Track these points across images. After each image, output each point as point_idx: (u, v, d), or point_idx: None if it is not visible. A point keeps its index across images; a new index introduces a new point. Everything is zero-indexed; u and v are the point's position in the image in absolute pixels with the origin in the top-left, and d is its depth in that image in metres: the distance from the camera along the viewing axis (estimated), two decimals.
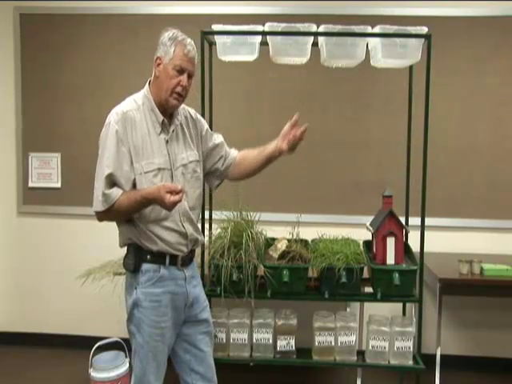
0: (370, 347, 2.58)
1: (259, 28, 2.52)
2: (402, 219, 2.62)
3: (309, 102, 3.40)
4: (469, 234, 3.37)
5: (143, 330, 1.94)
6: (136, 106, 1.95)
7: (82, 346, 3.34)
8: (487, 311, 3.40)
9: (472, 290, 2.91)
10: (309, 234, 2.75)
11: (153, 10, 3.43)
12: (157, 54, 1.94)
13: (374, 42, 2.54)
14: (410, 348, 2.55)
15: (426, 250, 2.56)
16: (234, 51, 2.57)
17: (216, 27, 2.54)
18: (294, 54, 2.55)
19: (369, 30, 2.48)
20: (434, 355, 2.89)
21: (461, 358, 3.42)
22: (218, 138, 2.20)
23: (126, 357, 2.82)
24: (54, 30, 3.51)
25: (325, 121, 3.40)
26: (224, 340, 2.61)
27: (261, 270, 2.47)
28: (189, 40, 1.94)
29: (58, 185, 3.59)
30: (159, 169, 1.92)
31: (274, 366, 2.97)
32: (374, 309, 2.87)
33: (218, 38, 2.57)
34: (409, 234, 2.68)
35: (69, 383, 3.17)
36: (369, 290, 2.63)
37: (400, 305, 2.88)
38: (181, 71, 1.91)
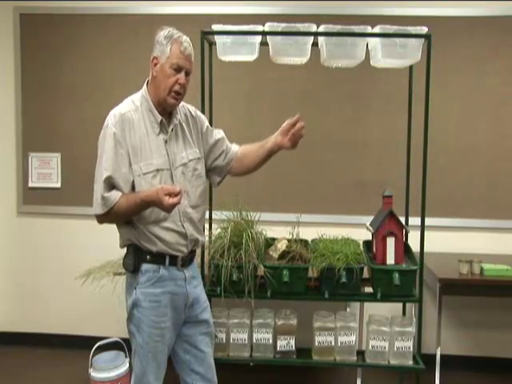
0: (370, 347, 2.58)
1: (259, 28, 2.52)
2: (402, 219, 2.63)
3: (309, 102, 3.40)
4: (469, 234, 3.37)
5: (143, 330, 1.94)
6: (134, 106, 1.94)
7: (81, 345, 3.33)
8: (487, 311, 3.40)
9: (472, 289, 2.91)
10: (309, 233, 2.75)
11: (153, 10, 3.42)
12: (153, 53, 1.93)
13: (373, 41, 2.54)
14: (409, 348, 2.55)
15: (426, 250, 2.56)
16: (233, 51, 2.57)
17: (216, 27, 2.54)
18: (294, 53, 2.55)
19: (369, 29, 2.48)
20: (434, 355, 2.89)
21: (461, 358, 3.41)
22: (218, 134, 2.19)
23: (125, 357, 2.82)
24: (54, 30, 3.51)
25: (325, 121, 3.40)
26: (224, 340, 2.61)
27: (261, 270, 2.48)
28: (184, 37, 1.93)
29: (58, 185, 3.59)
30: (158, 170, 1.92)
31: (274, 366, 2.97)
32: (373, 309, 2.87)
33: (217, 38, 2.57)
34: (409, 234, 2.68)
35: (69, 383, 3.17)
36: (369, 290, 2.63)
37: (400, 305, 2.88)
38: (178, 69, 1.91)
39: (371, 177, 3.37)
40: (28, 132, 3.59)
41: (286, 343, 2.59)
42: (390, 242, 2.52)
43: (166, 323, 1.96)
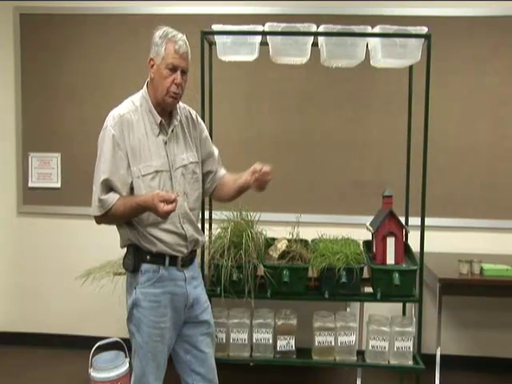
0: (370, 347, 2.58)
1: (259, 28, 2.52)
2: (402, 219, 2.63)
3: (309, 102, 3.40)
4: (469, 234, 3.37)
5: (142, 330, 1.94)
6: (134, 107, 1.94)
7: (81, 346, 3.33)
8: (487, 311, 3.40)
9: (472, 290, 2.91)
10: (309, 233, 2.75)
11: (153, 10, 3.42)
12: (150, 55, 1.92)
13: (373, 42, 2.54)
14: (409, 348, 2.55)
15: (425, 250, 2.57)
16: (233, 51, 2.57)
17: (216, 27, 2.54)
18: (294, 53, 2.55)
19: (369, 29, 2.48)
20: (434, 355, 2.89)
21: (461, 358, 3.41)
22: (214, 150, 2.19)
23: (125, 357, 2.82)
24: (54, 30, 3.51)
25: (325, 121, 3.40)
26: (224, 340, 2.61)
27: (261, 270, 2.48)
28: (179, 35, 1.91)
29: (58, 185, 3.59)
30: (157, 171, 1.92)
31: (274, 366, 2.97)
32: (373, 309, 2.87)
33: (218, 38, 2.57)
34: (409, 234, 2.68)
35: (69, 383, 3.17)
36: (369, 290, 2.63)
37: (400, 305, 2.88)
38: (173, 69, 1.89)
39: (371, 177, 3.37)
40: (28, 132, 3.59)
41: (286, 343, 2.59)
42: (390, 242, 2.52)
43: (166, 323, 1.96)
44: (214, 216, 2.66)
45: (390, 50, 2.49)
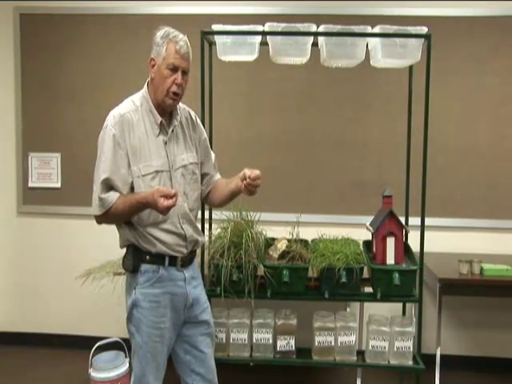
0: (370, 347, 2.58)
1: (259, 28, 2.52)
2: (402, 219, 2.63)
3: (309, 102, 3.40)
4: (469, 234, 3.37)
5: (142, 330, 1.93)
6: (134, 107, 1.94)
7: (81, 346, 3.34)
8: (487, 311, 3.40)
9: (472, 290, 2.91)
10: (309, 234, 2.75)
11: (153, 10, 3.42)
12: (151, 55, 1.93)
13: (373, 42, 2.54)
14: (409, 348, 2.55)
15: (425, 250, 2.56)
16: (233, 51, 2.57)
17: (216, 27, 2.54)
18: (293, 53, 2.55)
19: (369, 29, 2.48)
20: (434, 355, 2.89)
21: (461, 358, 3.41)
22: (212, 154, 2.19)
23: (125, 357, 2.82)
24: (54, 30, 3.51)
25: (325, 121, 3.40)
26: (224, 340, 2.61)
27: (261, 270, 2.48)
28: (181, 36, 1.92)
29: (58, 185, 3.59)
30: (157, 171, 1.92)
31: (274, 366, 2.97)
32: (373, 309, 2.87)
33: (217, 38, 2.56)
34: (409, 234, 2.68)
35: (69, 383, 3.17)
36: (369, 290, 2.63)
37: (400, 305, 2.88)
38: (174, 69, 1.89)
39: (371, 177, 3.37)
40: (28, 132, 3.59)
41: (286, 343, 2.59)
42: (390, 242, 2.52)
43: (166, 323, 1.96)
44: (214, 216, 2.66)
45: (389, 50, 2.49)
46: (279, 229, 2.68)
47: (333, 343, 2.59)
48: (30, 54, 3.54)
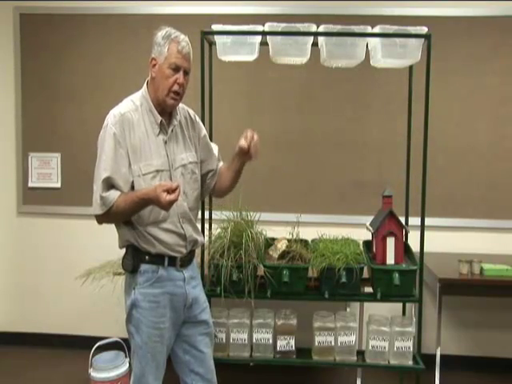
0: (370, 347, 2.58)
1: (259, 28, 2.52)
2: (402, 219, 2.62)
3: (309, 102, 3.40)
4: (469, 234, 3.37)
5: (142, 330, 1.93)
6: (134, 106, 1.94)
7: (81, 346, 3.34)
8: (487, 311, 3.40)
9: (472, 290, 2.91)
10: (309, 233, 2.75)
11: (153, 10, 3.42)
12: (152, 54, 1.93)
13: (373, 42, 2.54)
14: (409, 348, 2.55)
15: (425, 250, 2.56)
16: (233, 51, 2.57)
17: (216, 27, 2.54)
18: (293, 53, 2.55)
19: (369, 29, 2.48)
20: (434, 355, 2.89)
21: (461, 358, 3.41)
22: (214, 148, 2.19)
23: (125, 357, 2.82)
24: (54, 30, 3.51)
25: (325, 121, 3.40)
26: (224, 340, 2.61)
27: (261, 270, 2.47)
28: (182, 36, 1.92)
29: (58, 185, 3.59)
30: (157, 170, 1.92)
31: (274, 366, 2.97)
32: (373, 309, 2.87)
33: (217, 38, 2.56)
34: (409, 234, 2.68)
35: (69, 383, 3.17)
36: (369, 290, 2.63)
37: (400, 305, 2.88)
38: (176, 69, 1.90)
39: (371, 177, 3.37)
40: (28, 132, 3.59)
41: (286, 343, 2.59)
42: (390, 242, 2.52)
43: (165, 323, 1.96)
44: (214, 216, 2.66)
45: (390, 50, 2.49)
46: (279, 229, 2.68)
47: (333, 343, 2.59)
48: (29, 53, 3.54)
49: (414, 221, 2.62)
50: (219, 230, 2.58)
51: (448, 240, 3.36)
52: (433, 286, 2.99)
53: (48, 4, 3.51)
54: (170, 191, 1.76)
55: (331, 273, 2.47)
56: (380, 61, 2.55)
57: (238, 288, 2.47)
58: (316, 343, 2.59)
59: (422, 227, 2.54)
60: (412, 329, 2.56)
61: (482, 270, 2.85)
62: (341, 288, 2.48)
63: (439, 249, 3.27)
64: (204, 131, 2.16)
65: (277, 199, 3.42)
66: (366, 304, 2.98)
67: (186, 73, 1.93)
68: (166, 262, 1.95)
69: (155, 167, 1.92)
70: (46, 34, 3.52)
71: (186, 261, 2.02)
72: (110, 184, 1.86)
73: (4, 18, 3.54)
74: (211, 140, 2.29)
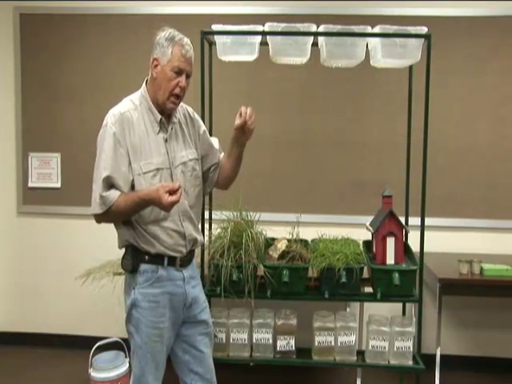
0: (370, 347, 2.58)
1: (259, 28, 2.52)
2: (402, 219, 2.62)
3: (309, 102, 3.40)
4: (469, 234, 3.37)
5: (141, 330, 1.93)
6: (133, 106, 1.94)
7: (81, 346, 3.34)
8: (487, 311, 3.40)
9: (472, 289, 2.91)
10: (309, 234, 2.75)
11: (153, 10, 3.42)
12: (153, 54, 1.93)
13: (373, 42, 2.54)
14: (409, 348, 2.55)
15: (425, 250, 2.56)
16: (233, 51, 2.57)
17: (216, 27, 2.54)
18: (293, 53, 2.55)
19: (369, 29, 2.48)
20: (434, 355, 2.89)
21: (461, 358, 3.41)
22: (215, 143, 2.20)
23: (125, 357, 2.82)
24: (54, 30, 3.51)
25: (325, 121, 3.40)
26: (224, 340, 2.61)
27: (261, 270, 2.47)
28: (186, 39, 1.93)
29: (58, 185, 3.59)
30: (158, 169, 1.92)
31: (274, 366, 2.97)
32: (373, 309, 2.87)
33: (217, 38, 2.56)
34: (409, 234, 2.68)
35: (69, 383, 3.17)
36: (369, 290, 2.63)
37: (400, 305, 2.88)
38: (179, 72, 1.91)
39: (371, 177, 3.37)
40: (28, 132, 3.59)
41: (286, 343, 2.59)
42: (390, 242, 2.52)
43: (165, 323, 1.96)
44: (214, 216, 2.66)
45: (390, 50, 2.48)
46: (279, 229, 2.68)
47: (333, 343, 2.59)
48: (29, 54, 3.54)
49: (414, 221, 2.62)
50: (219, 230, 2.58)
51: (448, 240, 3.36)
52: (433, 285, 2.99)
53: (48, 4, 3.51)
54: (171, 192, 1.76)
55: (331, 273, 2.47)
56: (380, 61, 2.55)
57: (238, 288, 2.47)
58: (316, 343, 2.59)
59: (422, 227, 2.54)
60: (412, 329, 2.56)
61: (481, 269, 2.85)
62: (341, 288, 2.48)
63: (439, 249, 3.27)
64: (203, 127, 2.17)
65: (277, 199, 3.42)
66: (366, 304, 2.98)
67: (187, 76, 1.95)
68: (166, 262, 1.95)
69: (155, 165, 1.92)
70: (46, 34, 3.52)
71: (186, 261, 2.02)
72: (109, 183, 1.86)
73: (4, 17, 3.54)
74: None
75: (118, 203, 1.85)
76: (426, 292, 3.19)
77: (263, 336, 2.59)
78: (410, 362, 2.57)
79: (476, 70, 3.31)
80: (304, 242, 2.71)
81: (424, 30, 2.46)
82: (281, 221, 2.86)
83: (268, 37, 2.53)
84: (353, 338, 2.58)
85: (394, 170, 3.19)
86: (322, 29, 2.48)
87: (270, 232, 2.69)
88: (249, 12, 3.34)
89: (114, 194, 1.85)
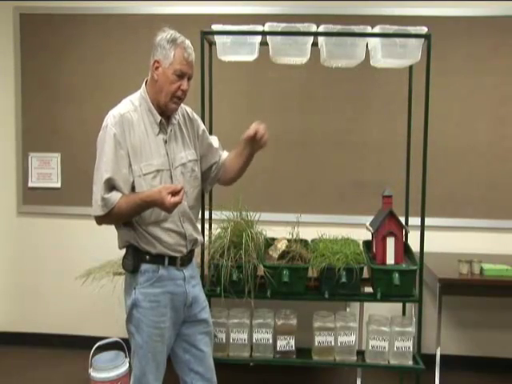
0: (370, 347, 2.57)
1: (259, 28, 2.52)
2: (402, 219, 2.62)
3: (309, 102, 3.40)
4: (469, 234, 3.37)
5: (142, 330, 1.94)
6: (133, 107, 1.94)
7: (81, 346, 3.34)
8: (487, 311, 3.40)
9: (472, 290, 2.91)
10: (309, 233, 2.75)
11: (153, 10, 3.42)
12: (155, 56, 1.92)
13: (373, 42, 2.54)
14: (409, 348, 2.55)
15: (425, 250, 2.56)
16: (233, 51, 2.57)
17: (216, 27, 2.54)
18: (293, 53, 2.55)
19: (369, 30, 2.48)
20: (434, 355, 2.89)
21: (461, 358, 3.41)
22: (214, 142, 2.20)
23: (125, 357, 2.82)
24: (54, 30, 3.51)
25: (325, 121, 3.40)
26: (224, 340, 2.60)
27: (261, 270, 2.47)
28: (187, 42, 1.94)
29: (58, 185, 3.59)
30: (158, 170, 1.92)
31: (274, 366, 2.97)
32: (373, 309, 2.87)
33: (217, 38, 2.56)
34: (409, 234, 2.68)
35: (69, 383, 3.17)
36: (369, 290, 2.63)
37: (400, 305, 2.88)
38: (181, 75, 1.91)
39: (371, 177, 3.37)
40: (28, 132, 3.59)
41: (286, 343, 2.59)
42: (390, 242, 2.52)
43: (166, 323, 1.96)
44: (213, 216, 2.66)
45: (389, 50, 2.48)
46: (279, 229, 2.68)
47: (333, 343, 2.59)
48: (29, 54, 3.54)
49: (414, 221, 2.61)
50: (219, 230, 2.58)
51: (448, 240, 3.36)
52: (433, 285, 2.99)
53: (48, 4, 3.51)
54: (173, 193, 1.76)
55: (331, 273, 2.46)
56: (380, 61, 2.55)
57: (238, 288, 2.47)
58: (316, 343, 2.59)
59: (422, 227, 2.54)
60: (412, 329, 2.56)
61: (481, 269, 2.85)
62: (341, 288, 2.48)
63: (439, 249, 3.27)
64: (202, 126, 2.17)
65: (277, 199, 3.42)
66: (365, 304, 2.98)
67: (188, 79, 1.95)
68: (167, 262, 1.96)
69: (156, 167, 1.92)
70: (46, 34, 3.52)
71: (186, 260, 2.02)
72: (111, 185, 1.86)
73: (4, 17, 3.54)
74: None
75: (120, 205, 1.85)
76: (426, 292, 3.19)
77: (263, 336, 2.59)
78: (410, 362, 2.57)
79: (476, 69, 3.31)
80: (304, 242, 2.71)
81: (424, 30, 2.46)
82: (281, 221, 2.85)
83: (268, 37, 2.53)
84: (353, 338, 2.58)
85: (394, 170, 3.19)
86: (321, 29, 2.48)
87: (270, 232, 2.69)
88: (249, 12, 3.34)
89: (115, 196, 1.85)
